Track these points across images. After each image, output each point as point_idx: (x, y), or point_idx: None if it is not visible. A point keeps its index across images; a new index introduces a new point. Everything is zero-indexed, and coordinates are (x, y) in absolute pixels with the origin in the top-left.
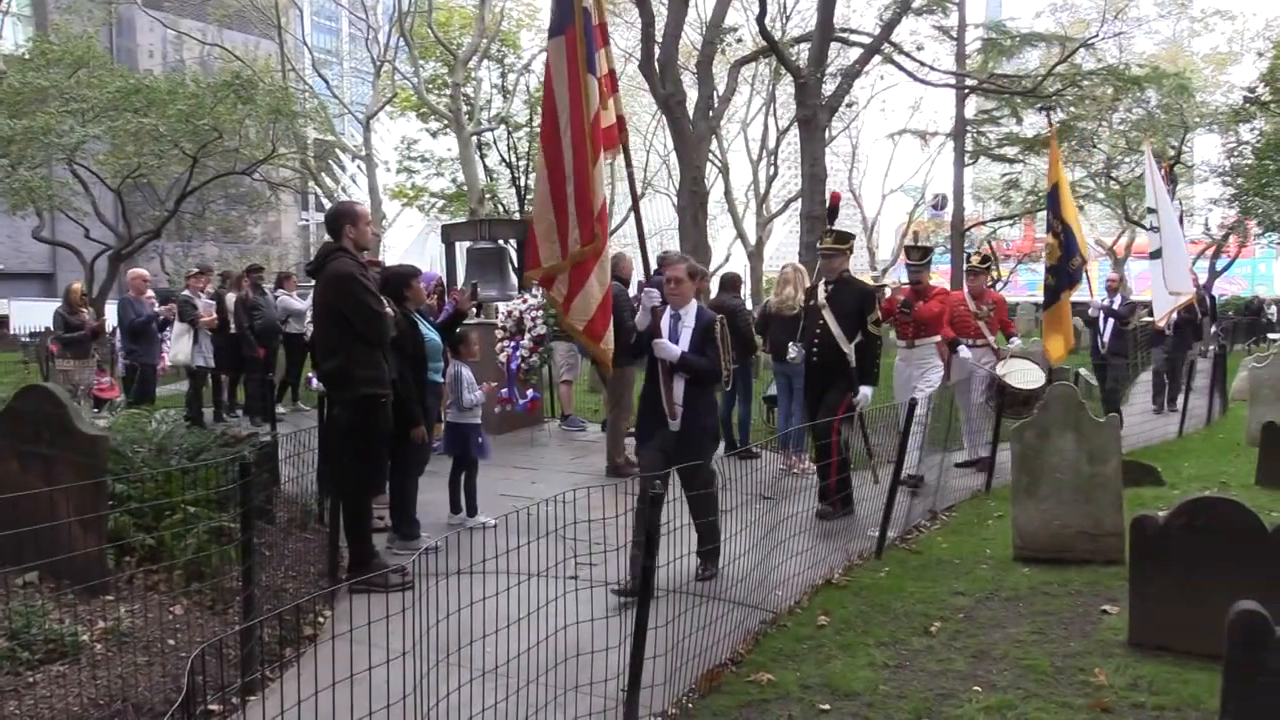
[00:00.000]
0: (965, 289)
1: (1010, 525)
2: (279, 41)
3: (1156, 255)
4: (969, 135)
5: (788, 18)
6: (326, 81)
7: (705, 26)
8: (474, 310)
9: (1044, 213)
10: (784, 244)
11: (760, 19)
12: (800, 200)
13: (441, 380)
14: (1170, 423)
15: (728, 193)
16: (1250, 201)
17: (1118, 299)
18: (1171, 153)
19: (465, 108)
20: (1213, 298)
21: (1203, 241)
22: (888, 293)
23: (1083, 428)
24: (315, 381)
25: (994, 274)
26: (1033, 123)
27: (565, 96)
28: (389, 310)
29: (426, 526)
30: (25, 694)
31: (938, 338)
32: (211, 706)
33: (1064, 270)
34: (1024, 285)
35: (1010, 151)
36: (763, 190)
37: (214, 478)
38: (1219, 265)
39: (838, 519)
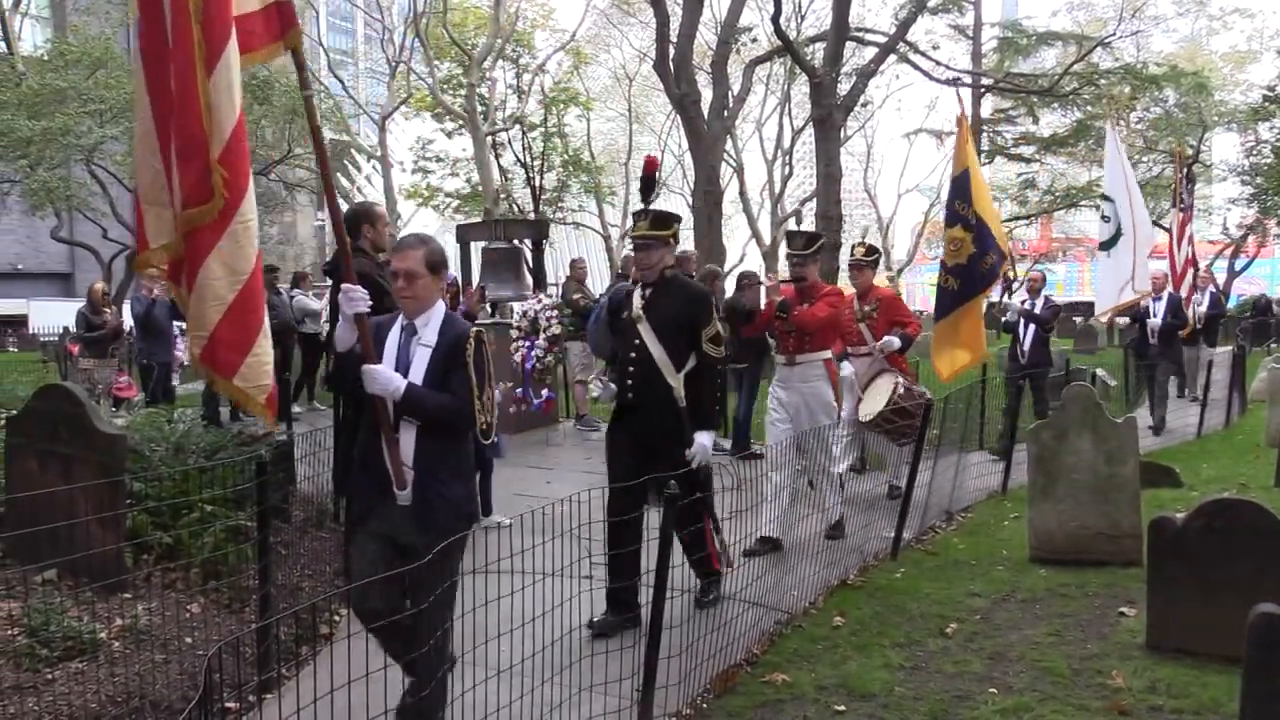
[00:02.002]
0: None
1: (1027, 526)
2: None
3: (1105, 247)
4: (985, 134)
5: (802, 17)
6: (342, 82)
7: (720, 26)
8: (488, 308)
9: (1057, 211)
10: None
11: (775, 18)
12: (815, 200)
13: None
14: (1189, 424)
15: (742, 192)
16: (1270, 201)
17: (1039, 301)
18: (1190, 152)
19: (480, 108)
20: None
21: (1221, 241)
22: (763, 291)
23: (1100, 428)
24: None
25: (1009, 273)
26: (1049, 122)
27: None
28: None
29: None
30: (44, 691)
31: (827, 353)
32: (228, 704)
33: (974, 270)
34: None
35: (1026, 151)
36: (778, 190)
37: (231, 477)
38: (1238, 265)
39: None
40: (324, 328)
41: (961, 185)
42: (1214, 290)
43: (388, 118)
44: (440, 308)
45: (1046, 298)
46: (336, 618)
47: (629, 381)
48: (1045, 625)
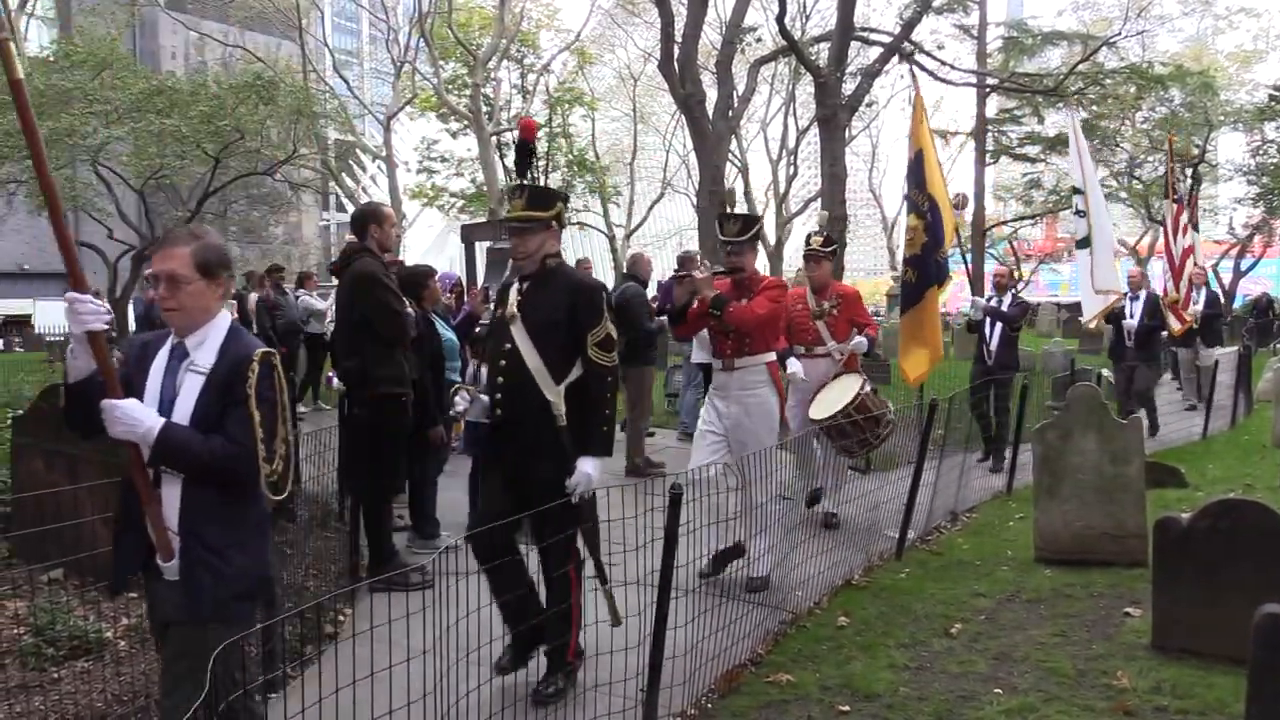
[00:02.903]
0: (807, 281)
1: (1032, 526)
2: (300, 43)
3: (1084, 245)
4: (990, 134)
5: (807, 17)
6: (347, 82)
7: (725, 26)
8: (492, 309)
9: (1065, 208)
10: (804, 244)
11: (780, 18)
12: (820, 200)
13: (459, 380)
14: (1194, 424)
15: (747, 193)
16: (1276, 200)
17: (1006, 298)
18: (1196, 151)
19: (485, 108)
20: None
21: (1227, 241)
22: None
23: (1105, 428)
24: (335, 380)
25: (1016, 274)
26: (1054, 121)
27: None
28: (410, 310)
29: (446, 525)
30: (50, 690)
31: (771, 355)
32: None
33: (929, 261)
34: (1046, 285)
35: (1032, 151)
36: (782, 190)
37: None
38: (1244, 265)
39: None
40: (329, 328)
41: (916, 169)
42: (1210, 290)
43: (393, 118)
44: (222, 322)
45: (1014, 295)
46: (341, 617)
47: (498, 395)
48: (1050, 626)
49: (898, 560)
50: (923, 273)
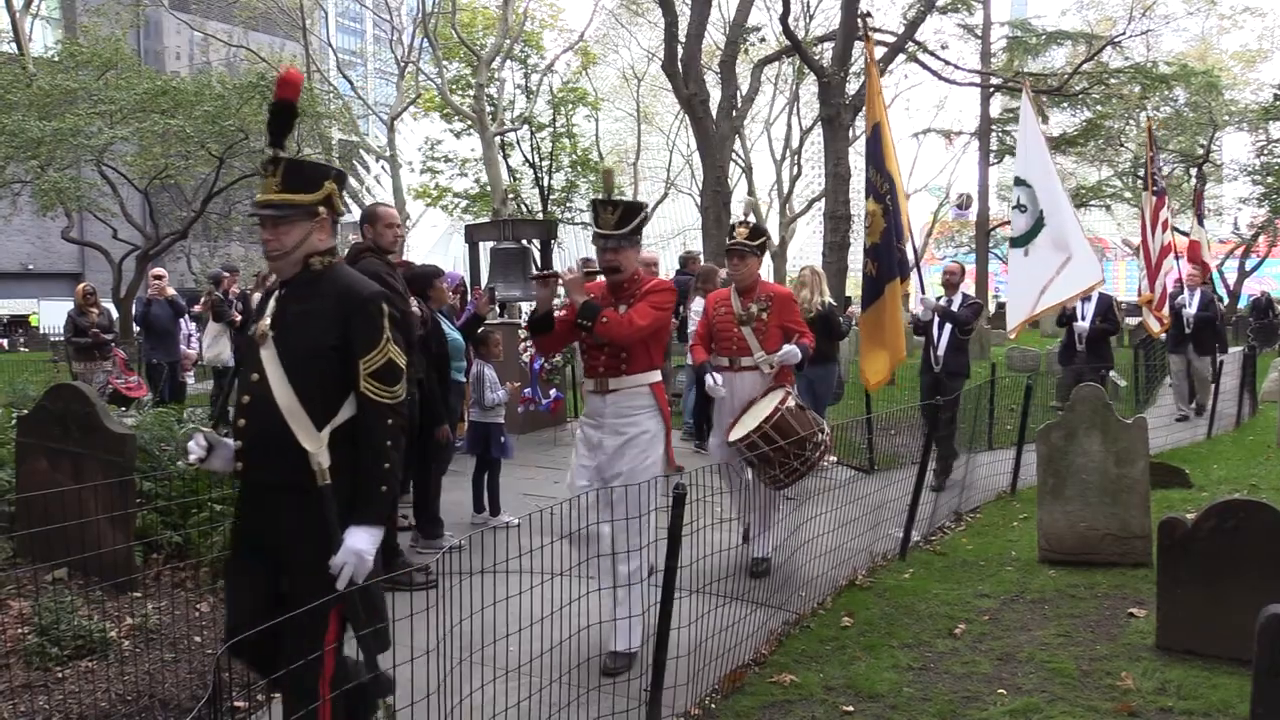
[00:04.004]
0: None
1: (1036, 527)
2: (304, 43)
3: (1019, 243)
4: (994, 134)
5: (811, 17)
6: (351, 82)
7: (728, 26)
8: (497, 309)
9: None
10: (807, 244)
11: (783, 18)
12: (824, 200)
13: (464, 380)
14: (1199, 424)
15: (751, 192)
16: None
17: (957, 298)
18: (1200, 151)
19: (489, 108)
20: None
21: (1232, 241)
22: (562, 295)
23: (1110, 429)
24: None
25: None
26: (1058, 121)
27: None
28: (415, 310)
29: (450, 525)
30: (54, 689)
31: (655, 375)
32: (237, 703)
33: (890, 251)
34: None
35: None
36: (786, 190)
37: None
38: (1249, 265)
39: None
40: None
41: (874, 146)
42: (1206, 291)
43: (396, 118)
44: None
45: (965, 295)
46: None
47: (239, 442)
48: (1054, 626)
49: (901, 560)
50: (885, 265)
